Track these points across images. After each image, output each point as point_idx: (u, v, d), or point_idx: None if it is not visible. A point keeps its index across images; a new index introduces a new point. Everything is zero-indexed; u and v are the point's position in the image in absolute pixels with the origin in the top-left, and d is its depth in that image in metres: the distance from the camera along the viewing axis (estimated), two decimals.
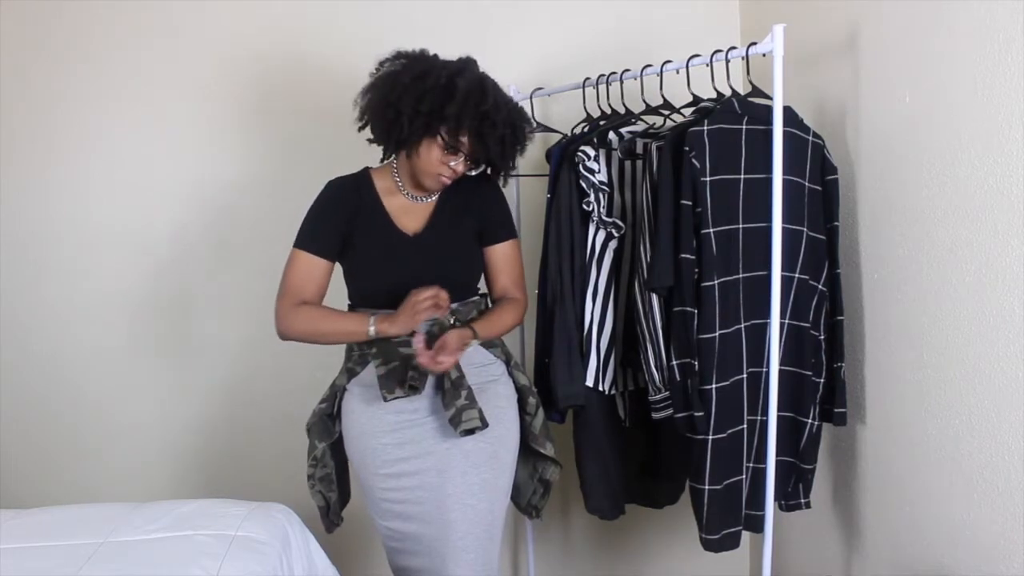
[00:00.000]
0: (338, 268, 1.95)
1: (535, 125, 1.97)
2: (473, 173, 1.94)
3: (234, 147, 2.59)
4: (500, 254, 1.99)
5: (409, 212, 1.95)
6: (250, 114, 2.57)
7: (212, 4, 2.53)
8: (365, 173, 1.98)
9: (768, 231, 1.86)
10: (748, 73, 1.98)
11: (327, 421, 2.00)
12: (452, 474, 1.85)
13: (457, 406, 1.82)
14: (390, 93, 1.81)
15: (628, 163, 2.14)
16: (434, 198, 1.97)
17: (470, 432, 1.83)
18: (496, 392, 1.94)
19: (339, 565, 1.97)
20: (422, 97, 1.78)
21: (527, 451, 2.02)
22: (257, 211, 2.59)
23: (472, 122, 1.79)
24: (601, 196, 2.05)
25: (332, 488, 2.02)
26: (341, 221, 1.91)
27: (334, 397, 1.99)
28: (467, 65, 1.85)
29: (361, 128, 1.88)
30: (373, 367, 1.88)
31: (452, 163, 1.85)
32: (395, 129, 1.82)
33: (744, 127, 1.90)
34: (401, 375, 1.83)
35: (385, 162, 1.99)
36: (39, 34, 2.51)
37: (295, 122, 2.56)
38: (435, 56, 1.87)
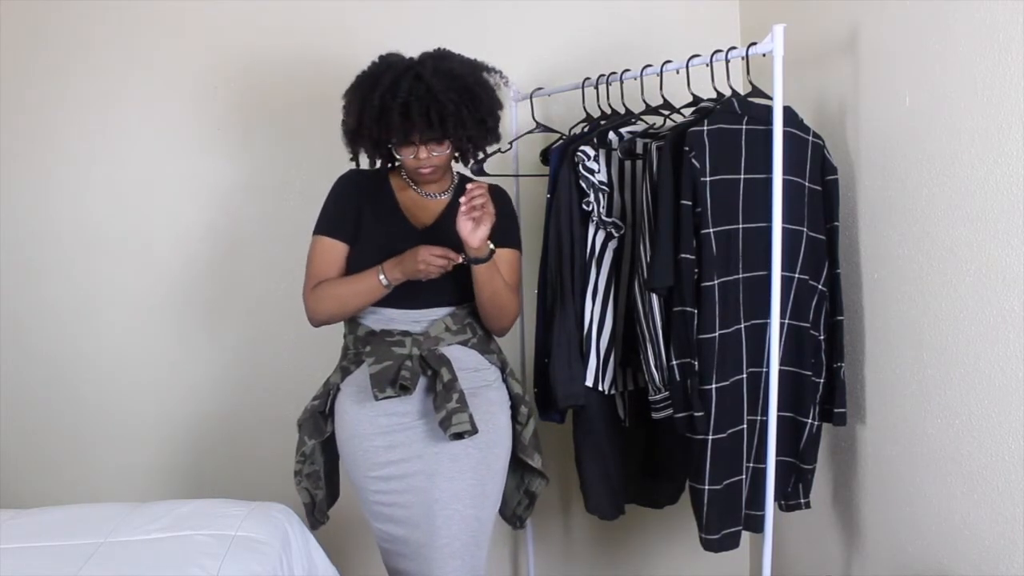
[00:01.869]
0: None
1: (495, 80, 1.93)
2: (445, 152, 1.90)
3: (235, 147, 2.58)
4: (498, 257, 1.96)
5: (420, 206, 1.96)
6: (251, 114, 2.57)
7: (213, 4, 2.53)
8: (383, 168, 2.00)
9: (768, 231, 1.86)
10: (748, 73, 1.98)
11: (319, 418, 1.99)
12: (439, 479, 1.85)
13: (448, 409, 1.81)
14: (343, 118, 1.91)
15: (628, 163, 2.14)
16: (447, 195, 1.98)
17: (459, 436, 1.81)
18: (488, 397, 1.93)
19: (338, 565, 1.97)
20: (347, 111, 1.88)
21: (515, 461, 2.01)
22: (258, 211, 2.58)
23: (379, 112, 1.80)
24: (601, 196, 2.05)
25: (319, 485, 2.03)
26: (356, 206, 1.93)
27: (327, 395, 1.99)
28: (373, 63, 1.88)
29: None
30: (367, 366, 1.87)
31: (414, 155, 1.86)
32: (355, 146, 1.92)
33: (744, 127, 1.90)
34: (393, 375, 1.83)
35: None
36: (39, 34, 2.51)
37: (296, 122, 2.56)
38: (374, 63, 1.90)
